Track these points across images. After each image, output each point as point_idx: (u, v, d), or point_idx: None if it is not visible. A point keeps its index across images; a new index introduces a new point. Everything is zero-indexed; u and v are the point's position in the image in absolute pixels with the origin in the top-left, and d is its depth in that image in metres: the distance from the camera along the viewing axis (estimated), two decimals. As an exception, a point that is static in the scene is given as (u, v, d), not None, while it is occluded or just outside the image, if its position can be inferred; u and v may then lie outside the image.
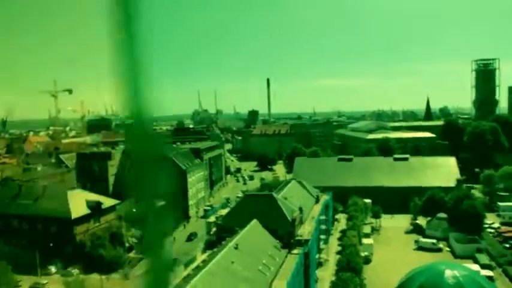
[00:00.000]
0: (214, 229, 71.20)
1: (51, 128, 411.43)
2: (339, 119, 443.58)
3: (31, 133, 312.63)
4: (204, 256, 61.88)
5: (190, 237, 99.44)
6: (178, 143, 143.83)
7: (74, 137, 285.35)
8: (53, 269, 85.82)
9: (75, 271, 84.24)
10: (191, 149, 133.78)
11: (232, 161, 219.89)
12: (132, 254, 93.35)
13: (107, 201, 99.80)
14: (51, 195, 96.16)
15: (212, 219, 78.81)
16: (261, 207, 67.98)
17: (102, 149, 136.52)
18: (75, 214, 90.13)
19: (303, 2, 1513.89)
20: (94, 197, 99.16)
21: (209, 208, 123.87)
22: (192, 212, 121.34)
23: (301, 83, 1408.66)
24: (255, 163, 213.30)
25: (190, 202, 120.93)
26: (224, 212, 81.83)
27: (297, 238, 64.83)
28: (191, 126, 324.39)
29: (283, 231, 64.17)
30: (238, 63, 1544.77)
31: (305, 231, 69.52)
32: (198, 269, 54.16)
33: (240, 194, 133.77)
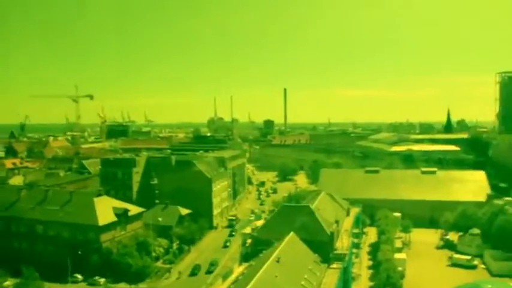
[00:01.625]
0: (249, 241, 69.27)
1: (68, 133, 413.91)
2: (354, 130, 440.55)
3: (51, 138, 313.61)
4: (242, 269, 60.02)
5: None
6: (202, 151, 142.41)
7: (92, 142, 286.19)
8: (79, 276, 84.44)
9: (102, 280, 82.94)
10: (215, 158, 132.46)
11: (254, 174, 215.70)
12: (159, 264, 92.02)
13: (133, 209, 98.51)
14: (78, 201, 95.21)
15: (248, 230, 77.03)
16: (298, 219, 66.04)
17: (126, 155, 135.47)
18: (102, 221, 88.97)
19: (319, 12, 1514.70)
20: (120, 204, 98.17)
21: (233, 218, 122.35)
22: (216, 221, 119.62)
23: (316, 93, 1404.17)
24: (274, 173, 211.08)
25: (215, 211, 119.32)
26: (259, 223, 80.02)
27: (335, 252, 62.83)
28: (208, 134, 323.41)
29: (321, 245, 62.12)
30: (253, 71, 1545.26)
31: (342, 245, 67.59)
32: (238, 282, 52.51)
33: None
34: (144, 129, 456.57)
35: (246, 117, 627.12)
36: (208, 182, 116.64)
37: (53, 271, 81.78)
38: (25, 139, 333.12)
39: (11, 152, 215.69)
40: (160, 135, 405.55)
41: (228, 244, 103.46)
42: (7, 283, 79.33)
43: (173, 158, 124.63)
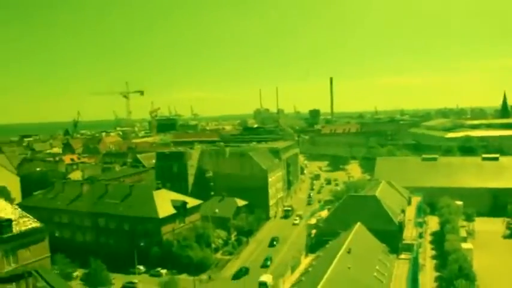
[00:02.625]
0: (314, 231, 68.39)
1: (118, 128, 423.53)
2: (402, 117, 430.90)
3: (103, 133, 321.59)
4: (309, 260, 59.29)
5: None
6: (254, 142, 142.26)
7: (143, 136, 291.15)
8: (141, 268, 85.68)
9: (164, 271, 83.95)
10: (269, 149, 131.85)
11: (305, 164, 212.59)
12: (218, 255, 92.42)
13: (190, 201, 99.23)
14: (138, 194, 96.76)
15: (313, 221, 75.87)
16: (364, 209, 64.68)
17: (180, 148, 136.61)
18: (162, 214, 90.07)
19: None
20: (178, 196, 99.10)
21: (289, 209, 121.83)
22: (271, 212, 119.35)
23: (362, 81, 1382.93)
24: (325, 163, 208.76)
25: (271, 202, 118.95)
26: (323, 213, 78.88)
27: (404, 242, 61.17)
28: (255, 125, 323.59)
29: (390, 235, 60.63)
30: (298, 61, 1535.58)
31: (409, 234, 65.83)
32: (309, 273, 51.82)
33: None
34: (191, 123, 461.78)
35: (291, 107, 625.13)
36: (264, 173, 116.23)
37: (116, 262, 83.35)
38: (78, 136, 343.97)
39: (68, 148, 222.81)
40: (207, 128, 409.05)
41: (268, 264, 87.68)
42: (76, 273, 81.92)
43: (227, 150, 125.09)
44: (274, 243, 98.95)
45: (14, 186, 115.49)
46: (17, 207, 66.96)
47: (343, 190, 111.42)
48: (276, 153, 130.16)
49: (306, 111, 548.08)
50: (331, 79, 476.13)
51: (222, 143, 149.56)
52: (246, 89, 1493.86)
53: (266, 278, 68.45)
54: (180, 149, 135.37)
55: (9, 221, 60.13)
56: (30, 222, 63.18)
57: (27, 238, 61.19)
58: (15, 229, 60.37)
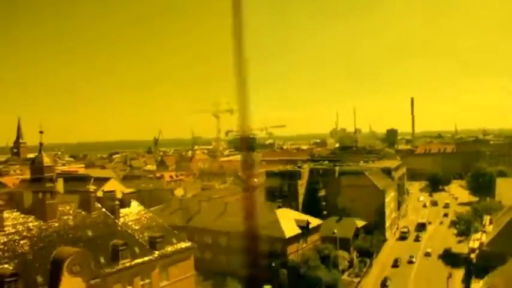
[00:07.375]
0: (473, 255, 64.10)
1: (196, 147, 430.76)
2: (486, 137, 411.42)
3: (189, 152, 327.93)
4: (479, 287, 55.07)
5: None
6: (362, 162, 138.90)
7: (229, 155, 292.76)
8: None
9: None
10: (381, 169, 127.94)
11: None
12: (345, 277, 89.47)
13: (311, 221, 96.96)
14: (259, 213, 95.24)
15: (474, 244, 71.04)
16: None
17: (288, 167, 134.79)
18: (288, 233, 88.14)
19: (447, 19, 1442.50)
20: (300, 216, 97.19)
21: (406, 231, 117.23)
22: (387, 234, 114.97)
23: (439, 99, 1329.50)
24: (421, 183, 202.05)
25: (386, 223, 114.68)
26: (480, 236, 74.14)
27: None
28: (337, 145, 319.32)
29: None
30: (372, 78, 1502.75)
31: None
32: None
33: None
34: (268, 142, 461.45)
35: (366, 127, 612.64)
36: (381, 193, 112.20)
37: (240, 282, 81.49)
38: (161, 153, 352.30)
39: (162, 165, 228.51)
40: (284, 147, 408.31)
41: None
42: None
43: (337, 169, 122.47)
44: (398, 264, 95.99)
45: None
46: (165, 223, 66.90)
47: (469, 212, 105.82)
48: (388, 173, 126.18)
49: (381, 130, 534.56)
50: (412, 99, 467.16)
51: (326, 162, 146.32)
52: (318, 109, 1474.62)
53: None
54: (288, 167, 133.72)
55: (162, 237, 60.32)
56: (178, 240, 63.35)
57: (177, 255, 61.15)
58: (167, 246, 60.39)
